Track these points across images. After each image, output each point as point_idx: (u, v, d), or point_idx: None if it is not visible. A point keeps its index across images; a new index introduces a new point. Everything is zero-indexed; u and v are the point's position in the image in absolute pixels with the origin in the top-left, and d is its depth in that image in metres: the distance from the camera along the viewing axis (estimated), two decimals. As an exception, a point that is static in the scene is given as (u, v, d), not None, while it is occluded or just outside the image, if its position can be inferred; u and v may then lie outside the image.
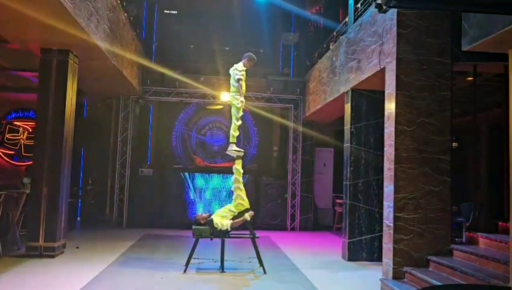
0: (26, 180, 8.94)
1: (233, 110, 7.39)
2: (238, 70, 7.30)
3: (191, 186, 12.20)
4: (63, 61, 7.79)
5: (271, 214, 12.35)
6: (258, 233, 7.34)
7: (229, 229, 6.92)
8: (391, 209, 6.41)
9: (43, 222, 7.56)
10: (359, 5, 8.32)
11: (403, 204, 6.36)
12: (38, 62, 7.87)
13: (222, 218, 6.96)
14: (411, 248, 6.32)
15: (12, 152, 12.84)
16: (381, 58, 7.01)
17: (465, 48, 5.34)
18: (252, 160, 13.61)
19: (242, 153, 7.41)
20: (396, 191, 6.38)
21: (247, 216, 7.09)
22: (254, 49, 13.61)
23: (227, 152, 7.43)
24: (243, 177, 7.48)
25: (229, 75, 7.49)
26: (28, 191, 8.14)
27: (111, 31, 8.47)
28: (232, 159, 7.45)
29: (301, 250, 9.42)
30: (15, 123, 12.97)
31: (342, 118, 9.17)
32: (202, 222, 7.07)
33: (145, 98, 12.49)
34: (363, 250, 8.33)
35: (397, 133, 6.44)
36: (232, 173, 7.37)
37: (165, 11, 13.80)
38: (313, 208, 12.96)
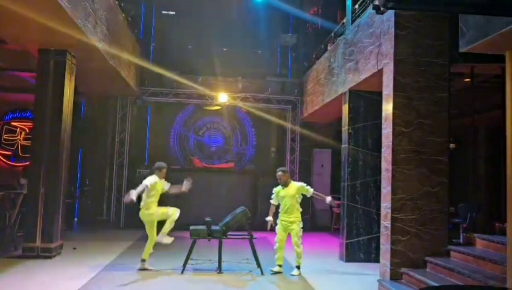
0: (23, 181, 8.93)
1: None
2: (149, 183, 6.94)
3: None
4: (61, 62, 7.78)
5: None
6: (255, 234, 7.34)
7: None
8: (389, 210, 6.41)
9: (40, 223, 7.54)
10: (357, 6, 8.34)
11: (400, 205, 6.37)
12: (36, 63, 7.86)
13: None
14: (409, 249, 6.32)
15: (9, 153, 12.80)
16: (379, 59, 7.02)
17: (462, 49, 5.35)
18: (250, 160, 13.60)
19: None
20: (394, 192, 6.38)
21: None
22: (252, 50, 13.70)
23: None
24: None
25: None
26: (25, 191, 8.12)
27: (109, 32, 8.46)
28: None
29: (299, 251, 9.40)
30: (13, 123, 12.93)
31: (340, 119, 9.18)
32: None
33: (143, 98, 12.48)
34: (360, 251, 8.33)
35: (395, 134, 6.45)
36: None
37: (163, 12, 13.81)
38: (311, 209, 12.96)
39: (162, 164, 7.33)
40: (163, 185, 7.17)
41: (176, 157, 13.61)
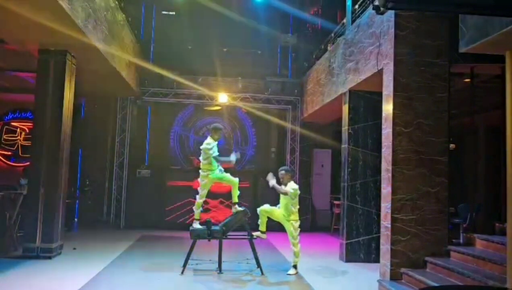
0: (23, 181, 8.93)
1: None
2: (208, 148, 7.08)
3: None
4: (61, 62, 7.78)
5: (269, 215, 12.31)
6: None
7: None
8: (389, 210, 6.41)
9: (40, 223, 7.54)
10: (357, 6, 8.34)
11: (400, 205, 6.37)
12: (36, 63, 7.86)
13: None
14: (409, 249, 6.33)
15: (9, 153, 12.81)
16: (378, 59, 7.02)
17: (462, 49, 5.35)
18: (250, 161, 13.61)
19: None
20: (394, 192, 6.39)
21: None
22: (252, 50, 13.69)
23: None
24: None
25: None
26: (25, 192, 8.12)
27: (109, 32, 8.47)
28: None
29: (299, 251, 9.40)
30: (13, 123, 12.95)
31: (340, 119, 9.18)
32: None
33: (143, 99, 12.48)
34: (360, 251, 8.33)
35: (395, 134, 6.45)
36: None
37: (163, 12, 13.80)
38: (311, 209, 12.96)
39: (219, 125, 7.49)
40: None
41: (176, 157, 13.62)
